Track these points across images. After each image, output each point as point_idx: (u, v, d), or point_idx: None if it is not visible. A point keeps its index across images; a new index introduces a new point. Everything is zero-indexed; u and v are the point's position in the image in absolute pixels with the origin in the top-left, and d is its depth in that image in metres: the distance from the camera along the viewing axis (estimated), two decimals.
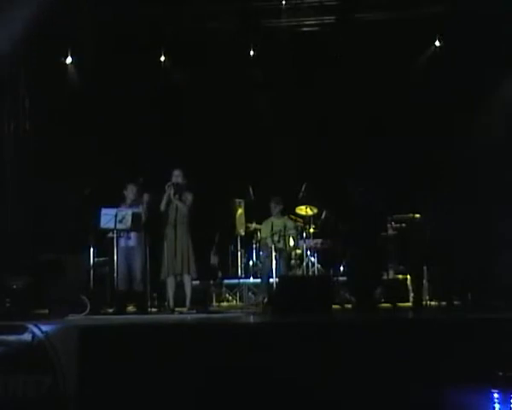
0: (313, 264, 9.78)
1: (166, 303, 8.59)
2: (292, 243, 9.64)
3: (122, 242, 8.58)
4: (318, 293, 7.87)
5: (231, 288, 10.41)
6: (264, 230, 9.84)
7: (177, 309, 8.26)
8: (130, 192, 8.75)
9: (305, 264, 9.66)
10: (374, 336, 5.88)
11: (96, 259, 8.71)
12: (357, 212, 8.44)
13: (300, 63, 10.70)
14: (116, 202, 8.73)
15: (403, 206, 9.03)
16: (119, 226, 8.37)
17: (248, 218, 10.39)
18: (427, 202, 8.25)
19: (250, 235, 10.34)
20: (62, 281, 8.62)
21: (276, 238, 9.40)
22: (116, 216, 8.33)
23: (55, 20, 9.95)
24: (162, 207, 8.33)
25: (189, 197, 8.38)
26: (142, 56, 10.79)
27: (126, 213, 8.40)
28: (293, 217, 9.94)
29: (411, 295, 8.54)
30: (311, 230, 9.75)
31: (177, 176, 8.37)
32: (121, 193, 8.81)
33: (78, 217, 8.99)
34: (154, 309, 8.86)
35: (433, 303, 8.20)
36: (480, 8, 9.53)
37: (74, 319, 7.49)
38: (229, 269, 10.50)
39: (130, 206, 8.67)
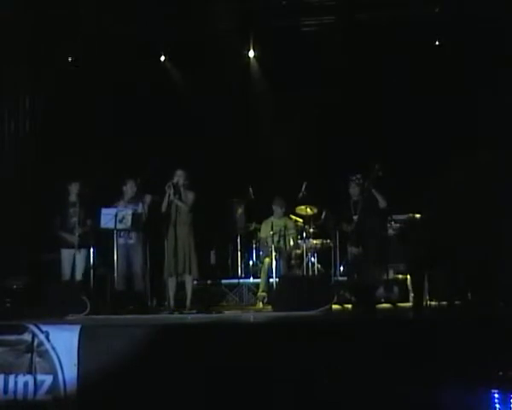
0: (313, 264, 9.77)
1: (166, 303, 8.59)
2: (292, 243, 9.64)
3: (122, 240, 8.59)
4: (318, 293, 7.88)
5: (231, 288, 10.40)
6: (264, 230, 9.83)
7: (177, 309, 8.25)
8: (130, 189, 8.76)
9: (305, 264, 9.65)
10: (374, 336, 5.88)
11: (95, 259, 8.71)
12: (358, 212, 8.45)
13: (300, 63, 10.69)
14: (115, 200, 8.76)
15: (403, 206, 9.03)
16: (120, 226, 8.38)
17: (248, 218, 10.40)
18: (428, 202, 8.25)
19: (250, 235, 10.35)
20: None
21: (276, 238, 9.40)
22: (116, 216, 8.34)
23: (55, 19, 9.99)
24: (163, 207, 8.32)
25: (190, 196, 8.34)
26: (142, 56, 10.80)
27: (126, 213, 8.41)
28: (293, 217, 9.94)
29: (411, 295, 8.54)
30: (311, 230, 9.74)
31: (179, 176, 8.34)
32: (120, 190, 8.82)
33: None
34: (154, 309, 8.86)
35: (433, 303, 8.19)
36: (480, 9, 9.55)
37: (74, 318, 7.48)
38: (229, 269, 10.50)
39: (129, 203, 8.69)
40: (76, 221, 8.61)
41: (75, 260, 8.67)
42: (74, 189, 8.76)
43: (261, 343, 5.87)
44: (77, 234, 8.57)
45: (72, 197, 8.77)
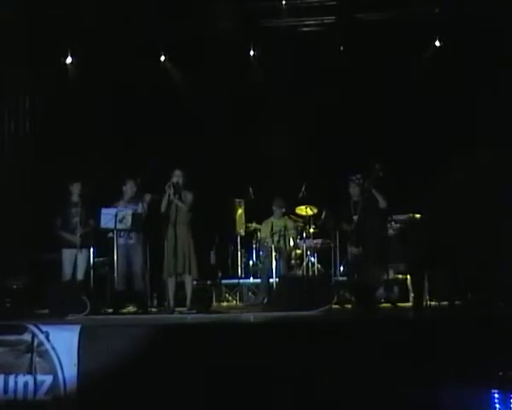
0: (313, 264, 9.77)
1: (166, 303, 8.59)
2: (292, 243, 9.64)
3: (122, 240, 8.59)
4: (318, 293, 7.88)
5: (231, 288, 10.41)
6: (264, 230, 9.84)
7: (177, 309, 8.25)
8: (130, 189, 8.76)
9: (305, 264, 9.66)
10: (374, 336, 5.88)
11: (95, 259, 8.71)
12: (358, 212, 8.45)
13: (300, 63, 10.69)
14: (114, 200, 8.76)
15: (403, 206, 9.03)
16: (120, 226, 8.37)
17: (248, 218, 10.41)
18: (428, 202, 8.25)
19: (250, 235, 10.35)
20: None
21: (276, 238, 9.40)
22: (116, 216, 8.34)
23: (55, 19, 9.99)
24: (163, 207, 8.31)
25: (188, 196, 8.35)
26: (142, 56, 10.80)
27: (126, 213, 8.41)
28: (293, 217, 9.94)
29: (411, 295, 8.54)
30: (311, 230, 9.74)
31: (177, 176, 8.34)
32: (120, 190, 8.82)
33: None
34: (154, 309, 8.86)
35: (433, 303, 8.19)
36: (480, 9, 9.56)
37: (74, 318, 7.48)
38: (229, 269, 10.50)
39: (129, 203, 8.69)
40: (78, 221, 8.60)
41: (76, 260, 8.68)
42: (76, 189, 8.76)
43: (261, 343, 5.87)
44: (78, 234, 8.56)
45: (75, 198, 8.76)
